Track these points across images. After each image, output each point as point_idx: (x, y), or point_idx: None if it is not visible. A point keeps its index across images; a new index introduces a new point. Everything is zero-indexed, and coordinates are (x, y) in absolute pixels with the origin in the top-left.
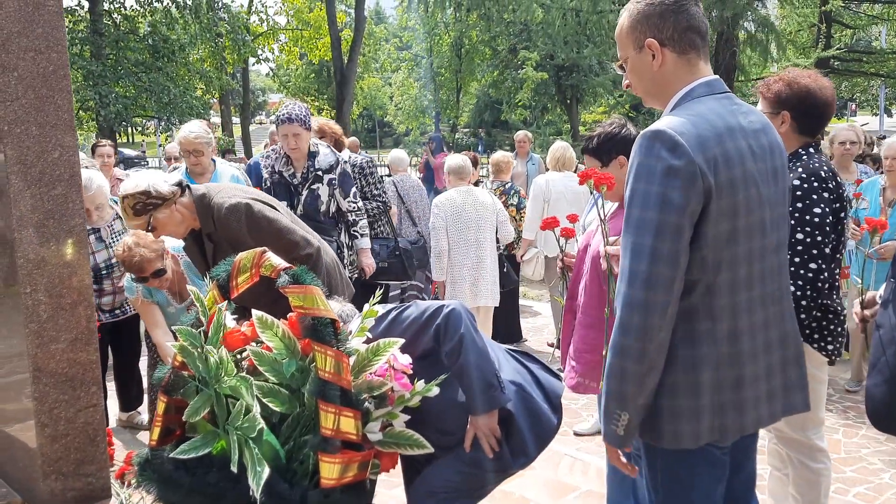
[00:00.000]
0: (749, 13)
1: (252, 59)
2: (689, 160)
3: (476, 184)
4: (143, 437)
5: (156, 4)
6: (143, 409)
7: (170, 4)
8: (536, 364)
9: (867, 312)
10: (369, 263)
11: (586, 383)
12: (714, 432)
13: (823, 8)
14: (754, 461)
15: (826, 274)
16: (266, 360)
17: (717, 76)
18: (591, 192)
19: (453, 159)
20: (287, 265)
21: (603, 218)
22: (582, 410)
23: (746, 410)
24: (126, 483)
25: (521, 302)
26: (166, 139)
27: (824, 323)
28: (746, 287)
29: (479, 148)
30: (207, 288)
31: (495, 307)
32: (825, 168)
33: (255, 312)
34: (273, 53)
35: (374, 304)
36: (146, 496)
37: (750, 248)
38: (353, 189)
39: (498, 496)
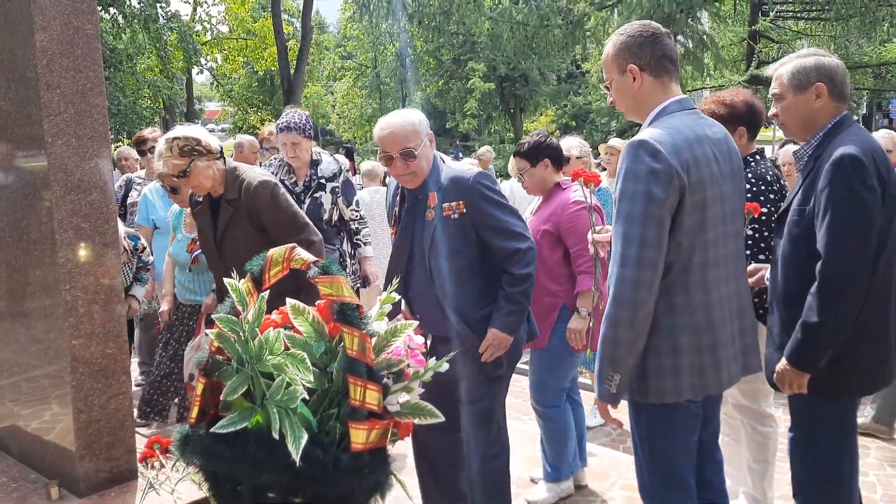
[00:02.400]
0: (687, 29)
1: (195, 69)
2: (668, 164)
3: None
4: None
5: (102, 14)
6: None
7: (117, 14)
8: None
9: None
10: (373, 272)
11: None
12: (696, 389)
13: (753, 27)
14: (719, 417)
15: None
16: (298, 343)
17: (686, 95)
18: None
19: (365, 164)
20: (316, 258)
21: (590, 206)
22: None
23: (722, 370)
24: (150, 465)
25: None
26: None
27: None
28: (714, 266)
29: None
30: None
31: None
32: (770, 173)
33: (288, 301)
34: (216, 63)
35: (391, 292)
36: (171, 476)
37: (716, 234)
38: (356, 197)
39: None
